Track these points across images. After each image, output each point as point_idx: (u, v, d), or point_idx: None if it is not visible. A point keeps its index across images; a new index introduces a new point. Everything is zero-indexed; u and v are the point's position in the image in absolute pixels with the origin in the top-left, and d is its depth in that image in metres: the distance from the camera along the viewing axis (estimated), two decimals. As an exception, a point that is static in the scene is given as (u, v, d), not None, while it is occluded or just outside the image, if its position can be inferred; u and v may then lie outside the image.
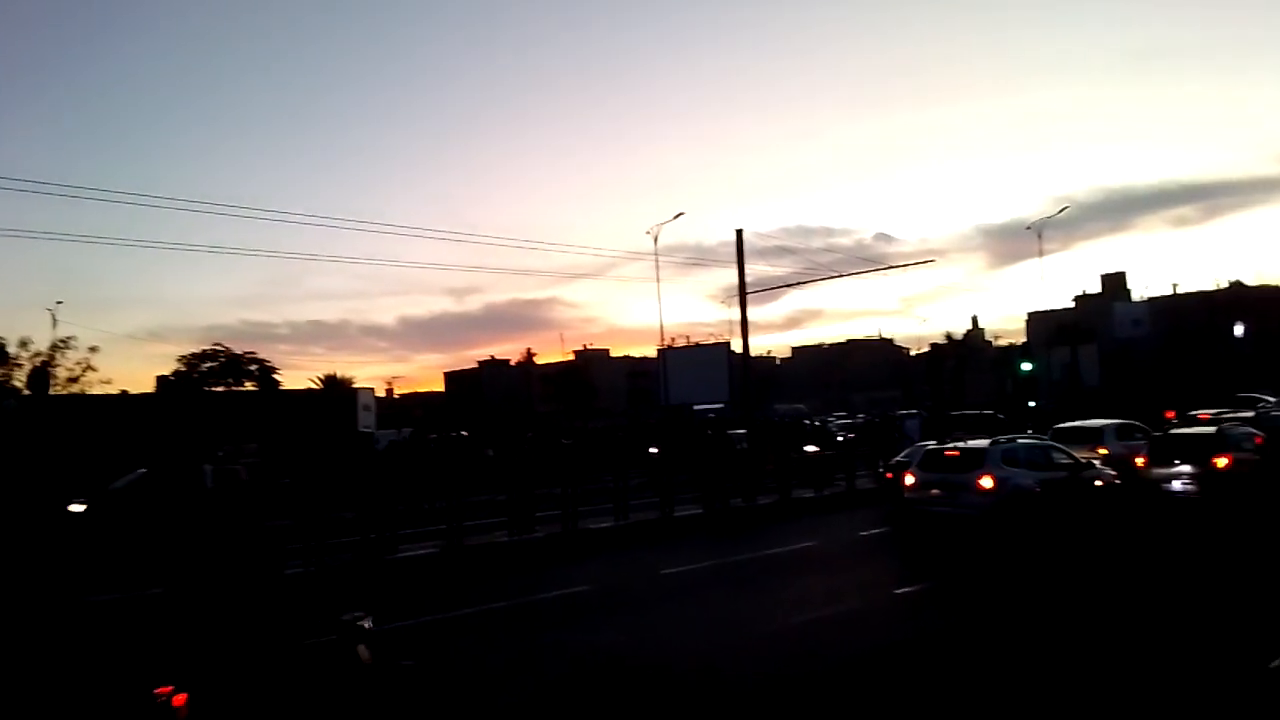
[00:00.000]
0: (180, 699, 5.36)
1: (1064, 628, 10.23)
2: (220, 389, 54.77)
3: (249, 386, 56.41)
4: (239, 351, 58.19)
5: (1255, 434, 20.70)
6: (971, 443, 18.49)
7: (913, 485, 17.94)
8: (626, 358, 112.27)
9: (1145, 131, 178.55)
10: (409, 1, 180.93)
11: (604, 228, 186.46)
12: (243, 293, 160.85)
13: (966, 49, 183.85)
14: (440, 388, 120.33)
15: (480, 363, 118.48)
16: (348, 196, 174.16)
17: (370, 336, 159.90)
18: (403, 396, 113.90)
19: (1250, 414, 25.55)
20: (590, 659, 9.78)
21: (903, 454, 22.35)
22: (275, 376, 58.43)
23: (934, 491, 17.26)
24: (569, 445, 33.64)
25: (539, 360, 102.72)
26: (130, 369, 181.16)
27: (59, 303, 52.74)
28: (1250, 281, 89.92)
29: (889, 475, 21.87)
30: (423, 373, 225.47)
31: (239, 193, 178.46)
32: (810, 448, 27.42)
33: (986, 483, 16.46)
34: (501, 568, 16.25)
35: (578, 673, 9.27)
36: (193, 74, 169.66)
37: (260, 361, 58.61)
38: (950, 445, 18.87)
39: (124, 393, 46.32)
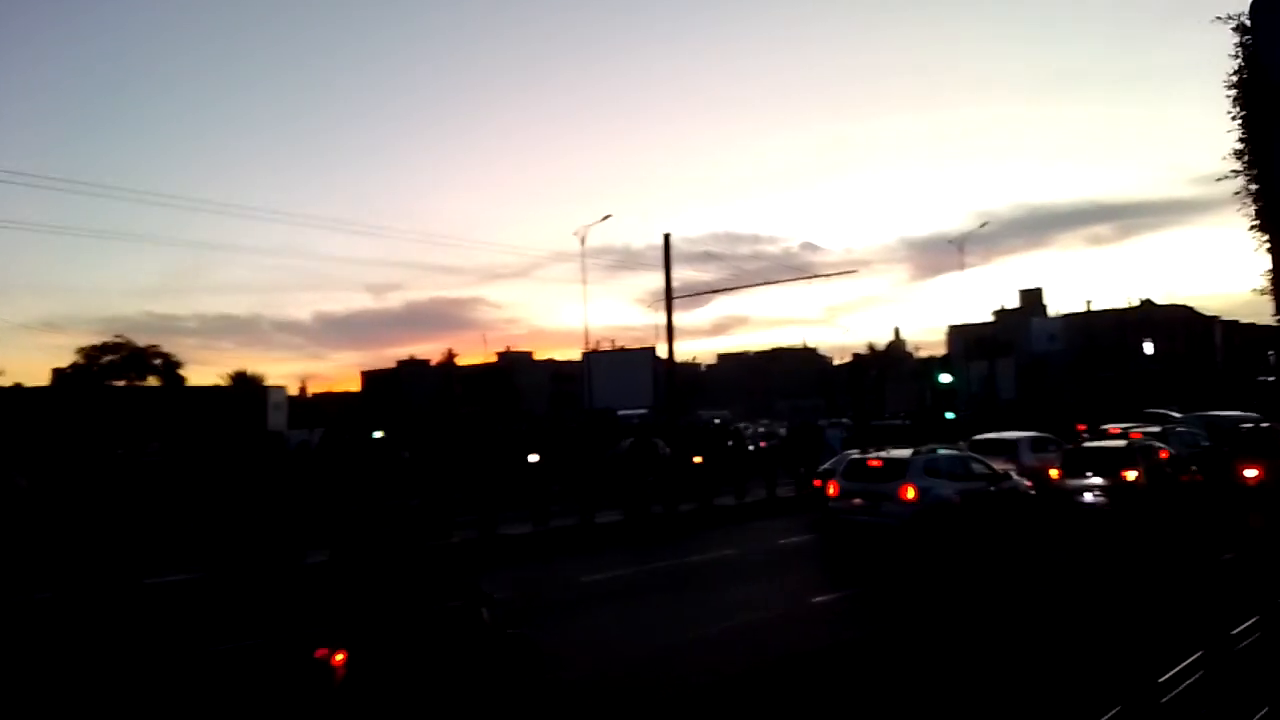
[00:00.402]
0: (339, 658, 6.48)
1: (974, 636, 10.21)
2: (121, 384, 52.51)
3: (152, 382, 54.17)
4: (141, 345, 55.73)
5: (1162, 448, 21.25)
6: (894, 453, 18.56)
7: (836, 494, 17.93)
8: (550, 360, 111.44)
9: (1064, 151, 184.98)
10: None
11: (530, 228, 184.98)
12: (147, 283, 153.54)
13: (894, 65, 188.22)
14: (357, 387, 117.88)
15: (399, 362, 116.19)
16: (262, 185, 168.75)
17: (283, 332, 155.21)
18: (317, 396, 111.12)
19: (1158, 429, 26.22)
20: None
21: (829, 462, 22.33)
22: (180, 372, 56.21)
23: (856, 501, 17.27)
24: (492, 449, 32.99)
25: (461, 361, 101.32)
26: (24, 361, 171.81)
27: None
28: (1160, 300, 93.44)
29: (817, 483, 21.81)
30: (339, 371, 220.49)
31: (145, 177, 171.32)
32: (697, 459, 27.37)
33: (908, 493, 16.51)
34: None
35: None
36: (96, 50, 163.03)
37: (164, 356, 56.20)
38: (873, 455, 18.89)
39: (17, 386, 44.21)
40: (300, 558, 15.57)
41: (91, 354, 54.61)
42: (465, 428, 51.56)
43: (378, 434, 41.90)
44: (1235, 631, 6.15)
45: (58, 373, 54.90)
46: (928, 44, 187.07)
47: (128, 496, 17.41)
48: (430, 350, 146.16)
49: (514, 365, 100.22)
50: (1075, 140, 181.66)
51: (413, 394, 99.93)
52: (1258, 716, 5.57)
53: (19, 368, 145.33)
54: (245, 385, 59.37)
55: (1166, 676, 5.37)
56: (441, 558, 12.27)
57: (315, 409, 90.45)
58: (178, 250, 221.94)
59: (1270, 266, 20.19)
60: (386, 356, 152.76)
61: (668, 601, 13.03)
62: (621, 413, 57.47)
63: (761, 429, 46.32)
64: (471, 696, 7.03)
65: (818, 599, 12.73)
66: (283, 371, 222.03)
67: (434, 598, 7.28)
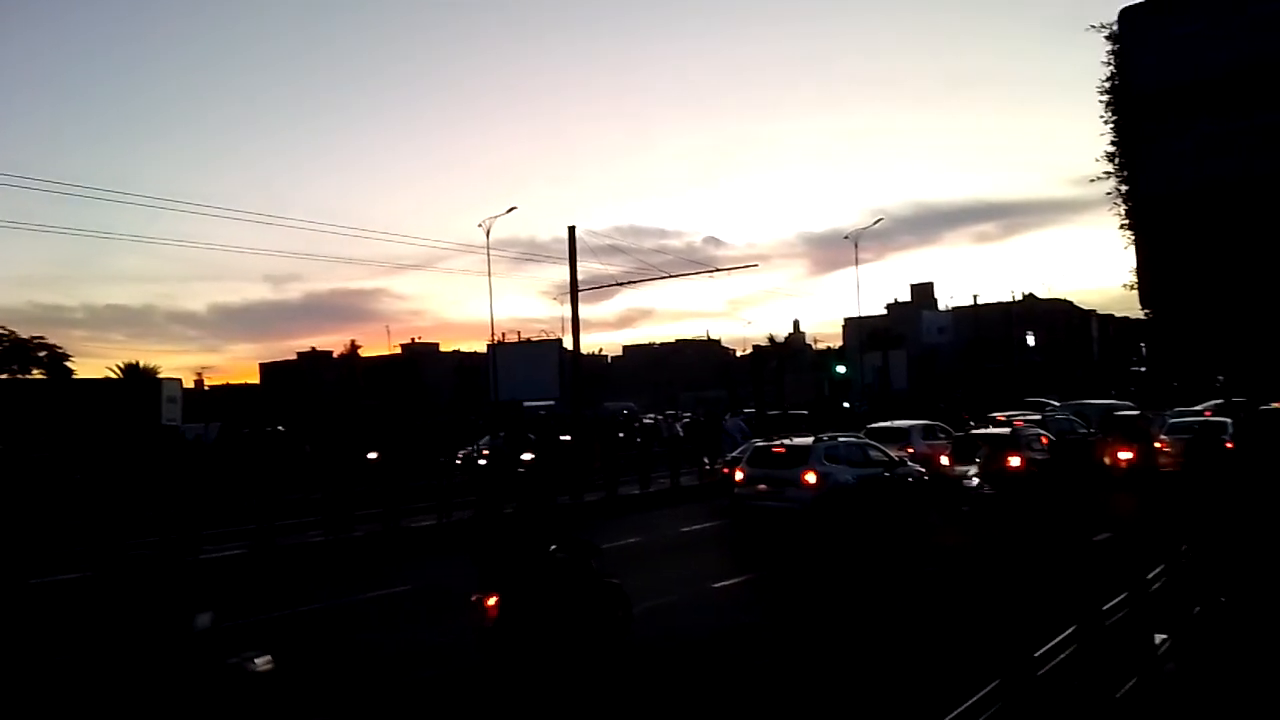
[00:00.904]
0: (491, 601, 8.27)
1: (866, 616, 10.77)
2: (3, 376, 49.90)
3: (36, 375, 51.61)
4: (25, 336, 53.05)
5: (1043, 435, 22.47)
6: (797, 440, 19.18)
7: (742, 480, 18.45)
8: (456, 352, 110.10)
9: (954, 153, 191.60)
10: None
11: (434, 219, 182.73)
12: (31, 271, 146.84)
13: (796, 67, 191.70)
14: (256, 380, 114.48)
15: (300, 354, 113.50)
16: (156, 173, 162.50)
17: (178, 324, 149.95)
18: (214, 388, 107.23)
19: (1038, 417, 27.62)
20: (409, 658, 9.51)
21: (738, 450, 22.85)
22: (68, 364, 53.69)
23: (761, 486, 17.82)
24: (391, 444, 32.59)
25: (364, 353, 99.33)
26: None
27: None
28: (1042, 295, 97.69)
29: (725, 470, 22.34)
30: (237, 364, 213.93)
31: (32, 163, 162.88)
32: (565, 436, 27.86)
33: (810, 478, 17.11)
34: (317, 569, 15.56)
35: (393, 671, 8.99)
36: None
37: (50, 348, 53.45)
38: (777, 442, 19.47)
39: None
40: (196, 552, 15.28)
41: (-31, 346, 51.70)
42: (369, 420, 50.65)
43: (278, 427, 40.87)
44: (1106, 607, 6.49)
45: (-67, 366, 51.86)
46: (828, 47, 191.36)
47: (12, 493, 16.76)
48: (332, 342, 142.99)
49: (419, 357, 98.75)
50: (964, 142, 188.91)
51: (314, 387, 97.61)
52: (1127, 686, 6.03)
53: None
54: (137, 378, 56.93)
55: (1042, 651, 5.69)
56: (559, 518, 12.95)
57: (213, 402, 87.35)
58: (66, 239, 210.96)
59: (1136, 264, 21.55)
60: (287, 348, 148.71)
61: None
62: (528, 404, 57.30)
63: (686, 421, 46.68)
64: (586, 629, 8.77)
65: (718, 584, 13.12)
66: (178, 364, 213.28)
67: (558, 551, 8.88)
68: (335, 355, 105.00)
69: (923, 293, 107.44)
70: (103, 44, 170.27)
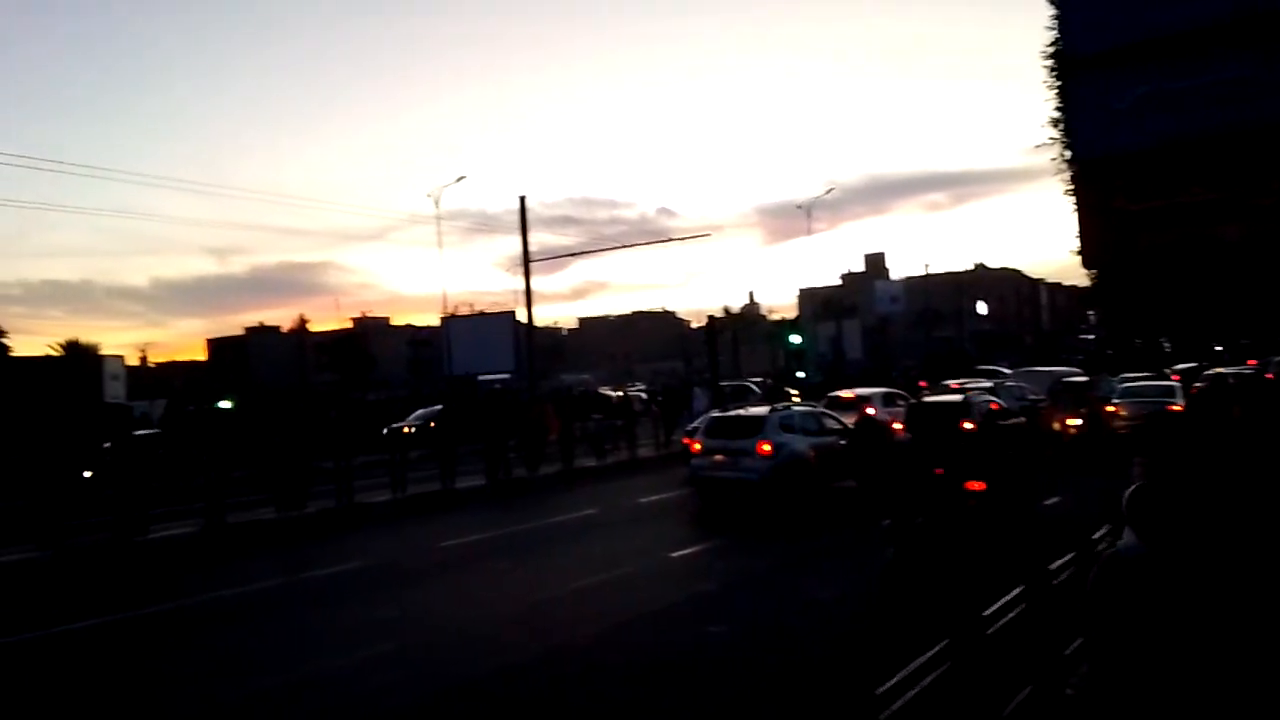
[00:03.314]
0: (979, 486, 11.36)
1: (818, 583, 10.83)
2: (-63, 355, 48.39)
3: (-29, 353, 50.11)
4: (-40, 313, 51.54)
5: (995, 401, 22.75)
6: (752, 410, 19.14)
7: (699, 451, 18.44)
8: (408, 326, 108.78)
9: (904, 123, 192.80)
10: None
11: (383, 190, 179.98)
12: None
13: (749, 36, 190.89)
14: (203, 356, 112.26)
15: (247, 329, 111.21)
16: (93, 143, 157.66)
17: (120, 299, 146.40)
18: (159, 365, 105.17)
19: (989, 384, 27.98)
20: (362, 633, 9.37)
21: (696, 421, 22.83)
22: (4, 341, 52.27)
23: (718, 457, 17.81)
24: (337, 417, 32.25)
25: (313, 328, 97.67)
26: None
27: None
28: (991, 265, 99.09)
29: (686, 440, 22.27)
30: (182, 340, 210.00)
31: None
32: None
33: (765, 448, 17.14)
34: (269, 546, 15.32)
35: (347, 647, 8.85)
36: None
37: (-14, 324, 52.18)
38: (732, 413, 19.44)
39: None
40: (144, 531, 14.95)
41: (-101, 323, 50.04)
42: (320, 396, 49.98)
43: (225, 404, 40.07)
44: (1053, 567, 6.63)
45: None
46: (782, 15, 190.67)
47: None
48: (280, 317, 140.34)
49: (370, 331, 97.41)
50: (914, 112, 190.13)
51: (263, 363, 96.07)
52: (1073, 645, 6.10)
53: None
54: (78, 355, 55.46)
55: (990, 610, 5.79)
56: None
57: (158, 379, 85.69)
58: (1, 212, 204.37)
59: (1078, 227, 21.67)
60: (233, 324, 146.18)
61: (529, 563, 13.15)
62: (482, 378, 56.96)
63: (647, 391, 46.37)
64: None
65: (676, 554, 13.11)
66: (121, 341, 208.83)
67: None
68: (284, 330, 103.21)
69: (875, 263, 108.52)
70: (38, 11, 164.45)
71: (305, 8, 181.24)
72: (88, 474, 18.42)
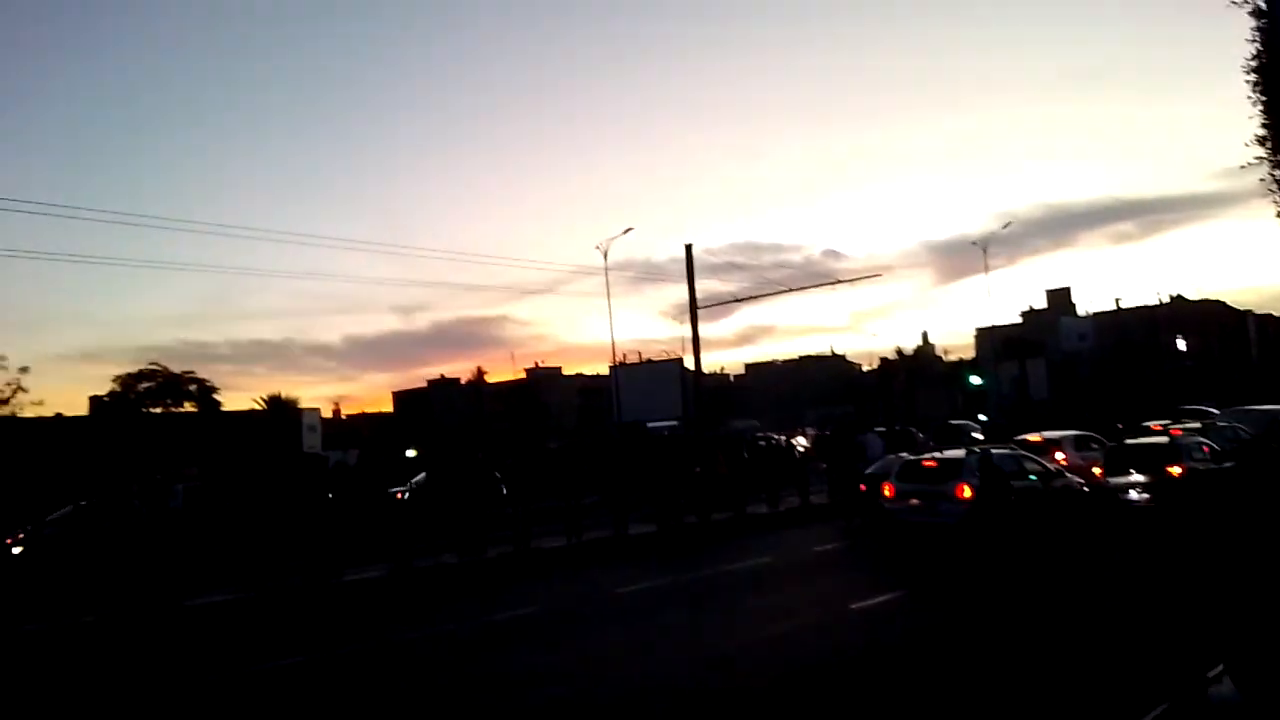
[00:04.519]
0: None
1: (1019, 636, 10.05)
2: (158, 410, 53.15)
3: (188, 408, 54.78)
4: (177, 371, 56.50)
5: (1205, 443, 20.91)
6: (949, 453, 18.51)
7: (891, 495, 17.94)
8: (578, 375, 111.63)
9: (1084, 150, 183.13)
10: (353, 13, 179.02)
11: (553, 244, 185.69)
12: (180, 310, 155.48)
13: (911, 69, 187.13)
14: (389, 408, 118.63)
15: (429, 382, 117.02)
16: (288, 210, 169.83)
17: (315, 356, 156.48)
18: (350, 417, 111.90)
19: (1198, 425, 25.83)
20: (540, 679, 9.39)
21: (875, 466, 22.10)
22: (216, 397, 56.82)
23: (913, 501, 17.33)
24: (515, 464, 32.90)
25: (490, 379, 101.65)
26: (63, 390, 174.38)
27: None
28: (1190, 296, 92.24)
29: (863, 487, 21.59)
30: (370, 392, 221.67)
31: (175, 205, 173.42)
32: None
33: (964, 492, 16.50)
34: (451, 590, 15.75)
35: (527, 692, 8.86)
36: (121, 83, 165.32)
37: (199, 381, 56.89)
38: (928, 456, 18.80)
39: (58, 415, 44.83)
40: (339, 575, 15.72)
41: (128, 382, 55.36)
42: (498, 444, 51.62)
43: (410, 453, 42.03)
44: None
45: (96, 401, 55.66)
46: (944, 47, 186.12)
47: (166, 522, 17.58)
48: (459, 369, 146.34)
49: (543, 381, 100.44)
50: (1094, 138, 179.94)
51: (444, 413, 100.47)
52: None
53: (58, 398, 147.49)
54: (280, 409, 59.83)
55: (1216, 671, 5.25)
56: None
57: (349, 430, 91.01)
58: (209, 278, 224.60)
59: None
60: (417, 376, 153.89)
61: (705, 611, 12.94)
62: (651, 425, 57.39)
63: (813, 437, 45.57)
64: None
65: (856, 605, 12.56)
66: (315, 394, 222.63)
67: None
68: (463, 382, 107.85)
69: (1060, 298, 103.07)
70: (240, 87, 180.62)
71: (478, 75, 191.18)
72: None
